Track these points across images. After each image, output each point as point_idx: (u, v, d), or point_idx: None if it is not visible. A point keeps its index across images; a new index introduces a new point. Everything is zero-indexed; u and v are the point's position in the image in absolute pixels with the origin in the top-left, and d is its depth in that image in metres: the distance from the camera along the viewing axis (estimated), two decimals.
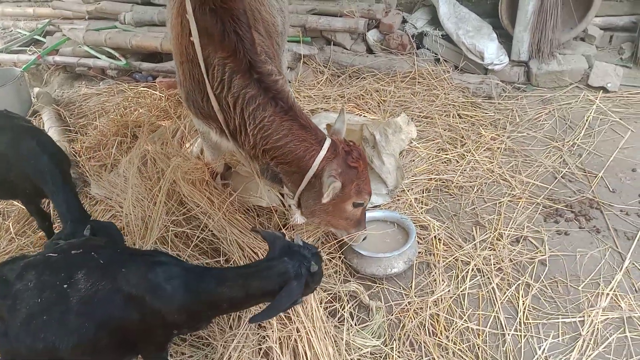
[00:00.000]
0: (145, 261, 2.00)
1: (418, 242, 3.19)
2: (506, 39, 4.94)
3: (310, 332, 2.49)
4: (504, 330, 2.70)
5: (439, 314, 2.76)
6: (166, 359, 2.16)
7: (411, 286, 2.98)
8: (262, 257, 2.43)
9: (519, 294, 2.86)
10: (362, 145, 3.69)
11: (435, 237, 3.23)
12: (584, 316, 2.71)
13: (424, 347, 2.63)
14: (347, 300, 2.85)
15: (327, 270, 2.99)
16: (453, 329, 2.70)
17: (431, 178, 3.74)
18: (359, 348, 2.60)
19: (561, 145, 4.00)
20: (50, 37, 6.32)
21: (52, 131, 4.55)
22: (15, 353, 1.82)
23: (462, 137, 4.14)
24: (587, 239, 3.19)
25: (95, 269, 1.90)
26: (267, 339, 2.54)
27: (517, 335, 2.67)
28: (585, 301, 2.79)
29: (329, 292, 2.86)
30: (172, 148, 3.84)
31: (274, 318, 2.54)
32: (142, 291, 1.90)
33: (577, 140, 4.02)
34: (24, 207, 3.37)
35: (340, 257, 3.10)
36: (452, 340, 2.65)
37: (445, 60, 5.09)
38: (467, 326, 2.72)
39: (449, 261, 3.09)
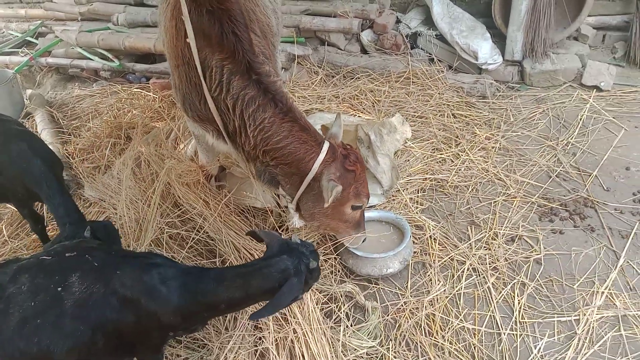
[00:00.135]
0: (140, 263, 1.98)
1: (413, 242, 3.19)
2: (500, 39, 4.96)
3: (306, 333, 2.48)
4: (499, 330, 2.70)
5: (434, 314, 2.76)
6: None
7: (407, 286, 2.98)
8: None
9: (514, 293, 2.87)
10: (357, 145, 3.69)
11: (430, 236, 3.23)
12: (579, 315, 2.72)
13: (420, 347, 2.64)
14: (343, 301, 2.85)
15: (323, 271, 2.98)
16: (449, 328, 2.71)
17: (426, 178, 3.74)
18: (355, 349, 2.59)
19: (555, 144, 4.01)
20: (42, 39, 6.26)
21: (45, 133, 4.52)
22: (8, 357, 1.80)
23: (457, 136, 4.15)
24: (581, 237, 3.20)
25: (89, 272, 1.88)
26: (264, 340, 2.53)
27: (513, 334, 2.68)
28: (580, 300, 2.80)
29: (325, 293, 2.85)
30: (166, 150, 3.82)
31: (270, 319, 2.53)
32: (138, 293, 1.88)
33: (571, 139, 4.03)
34: (16, 210, 3.35)
35: (335, 258, 3.09)
36: (448, 340, 2.65)
37: (439, 60, 5.09)
38: (463, 326, 2.72)
39: (445, 261, 3.09)
